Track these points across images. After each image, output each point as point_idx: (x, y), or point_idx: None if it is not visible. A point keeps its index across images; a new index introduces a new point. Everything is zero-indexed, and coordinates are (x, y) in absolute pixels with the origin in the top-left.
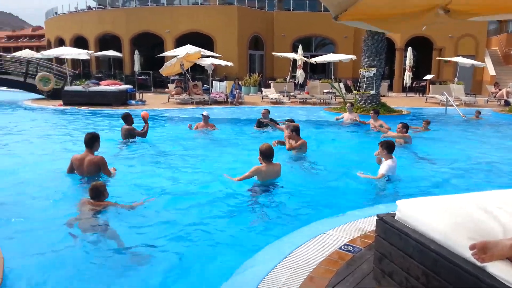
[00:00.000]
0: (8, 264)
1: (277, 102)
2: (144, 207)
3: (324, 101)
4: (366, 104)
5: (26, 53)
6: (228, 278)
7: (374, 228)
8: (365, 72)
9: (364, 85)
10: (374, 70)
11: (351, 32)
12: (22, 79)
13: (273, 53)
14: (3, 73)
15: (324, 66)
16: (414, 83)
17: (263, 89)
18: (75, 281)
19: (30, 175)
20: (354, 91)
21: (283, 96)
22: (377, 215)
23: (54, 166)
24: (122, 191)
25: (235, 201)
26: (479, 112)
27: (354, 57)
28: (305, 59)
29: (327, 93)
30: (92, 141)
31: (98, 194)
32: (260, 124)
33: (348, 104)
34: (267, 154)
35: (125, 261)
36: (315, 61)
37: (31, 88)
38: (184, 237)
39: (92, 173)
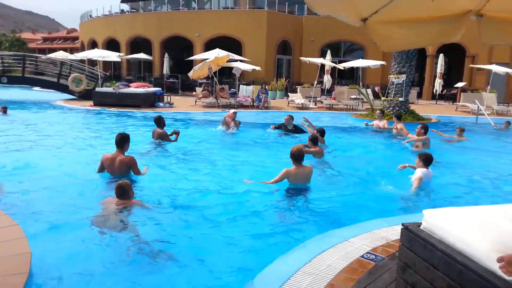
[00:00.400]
0: (35, 258)
1: (303, 107)
2: (170, 208)
3: (351, 107)
4: (395, 111)
5: (60, 55)
6: (250, 281)
7: (398, 238)
8: (395, 78)
9: (393, 92)
10: (403, 76)
11: None
12: (55, 79)
13: (301, 58)
14: (38, 74)
15: (352, 72)
16: (445, 90)
17: (289, 94)
18: (99, 277)
19: (59, 173)
20: (383, 98)
21: (310, 101)
22: (402, 224)
23: (83, 164)
24: (150, 190)
25: (258, 204)
26: (508, 123)
27: (384, 63)
28: (334, 64)
29: (354, 99)
30: (122, 141)
31: (124, 192)
32: (281, 127)
33: (377, 112)
34: (296, 156)
35: (150, 259)
36: (344, 67)
37: (64, 89)
38: (207, 238)
39: (123, 173)
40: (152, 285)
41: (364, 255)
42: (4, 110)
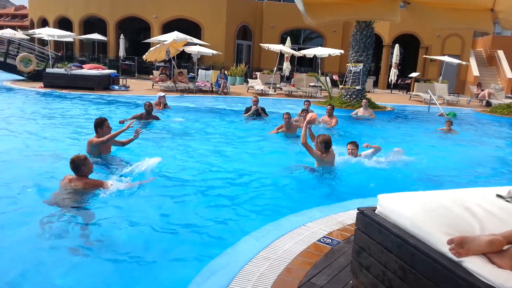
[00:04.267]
0: None
1: (262, 94)
2: (128, 192)
3: (310, 94)
4: (352, 99)
5: (7, 32)
6: (206, 266)
7: (353, 222)
8: (352, 67)
9: (351, 80)
10: (361, 65)
11: (340, 26)
12: (2, 59)
13: (261, 44)
14: None
15: (311, 60)
16: (399, 80)
17: (249, 79)
18: (43, 262)
19: (4, 156)
20: (340, 86)
21: (269, 87)
22: (358, 209)
23: (30, 148)
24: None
25: (215, 190)
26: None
27: (342, 51)
28: (293, 51)
29: (313, 86)
30: (95, 127)
31: (76, 167)
32: (248, 111)
33: (364, 101)
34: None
35: (98, 246)
36: (304, 54)
37: (11, 69)
38: (161, 224)
39: (106, 152)
40: (100, 274)
41: (321, 239)
42: None
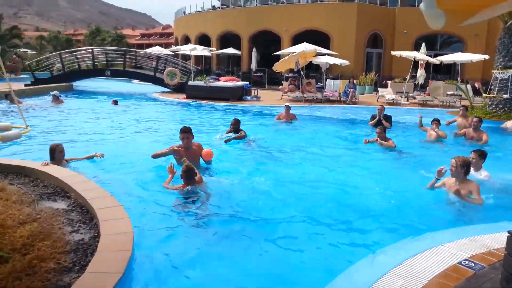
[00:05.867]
0: (137, 237)
1: (393, 103)
2: (255, 194)
3: (447, 103)
4: (498, 109)
5: (156, 50)
6: (337, 276)
7: (501, 246)
8: (499, 73)
9: (497, 88)
10: (510, 71)
11: (483, 29)
12: (152, 73)
13: (392, 52)
14: (137, 68)
15: (449, 66)
16: None
17: (379, 88)
18: (191, 253)
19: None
20: (484, 95)
21: (401, 96)
22: (509, 232)
23: None
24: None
25: (348, 200)
26: None
27: (486, 56)
28: (428, 58)
29: (451, 95)
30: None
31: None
32: (373, 119)
33: None
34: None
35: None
36: (441, 61)
37: (159, 82)
38: (296, 232)
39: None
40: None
41: (462, 262)
42: (116, 103)
